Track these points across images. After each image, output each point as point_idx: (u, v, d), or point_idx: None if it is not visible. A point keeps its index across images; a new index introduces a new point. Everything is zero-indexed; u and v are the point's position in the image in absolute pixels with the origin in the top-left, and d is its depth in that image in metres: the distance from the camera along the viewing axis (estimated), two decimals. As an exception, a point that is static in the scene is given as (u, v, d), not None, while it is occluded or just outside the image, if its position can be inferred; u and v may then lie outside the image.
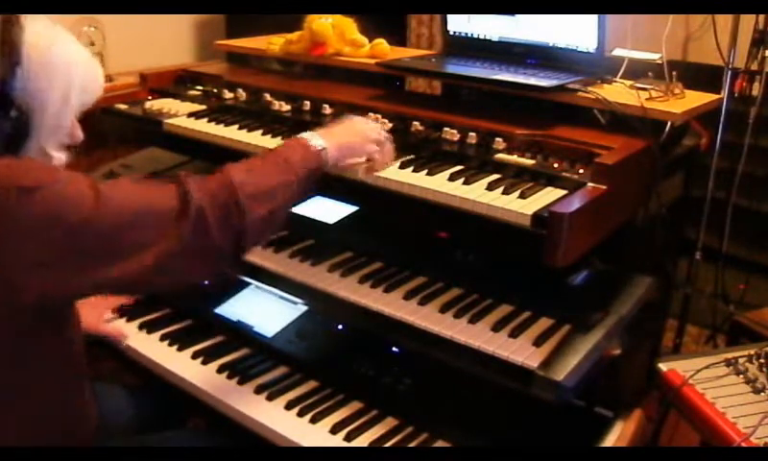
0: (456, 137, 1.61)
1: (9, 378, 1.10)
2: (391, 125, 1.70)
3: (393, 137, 1.56)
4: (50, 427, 1.18)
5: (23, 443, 1.13)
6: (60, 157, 1.16)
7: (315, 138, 1.33)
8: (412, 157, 1.56)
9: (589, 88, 1.62)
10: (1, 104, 1.05)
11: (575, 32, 1.75)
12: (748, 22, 2.26)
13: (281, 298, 1.79)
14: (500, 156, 1.52)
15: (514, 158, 1.50)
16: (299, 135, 1.34)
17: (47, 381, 1.16)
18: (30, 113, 1.08)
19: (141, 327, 1.78)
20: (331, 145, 1.34)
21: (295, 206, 1.27)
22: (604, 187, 1.32)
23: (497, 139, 1.56)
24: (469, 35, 1.96)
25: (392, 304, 1.46)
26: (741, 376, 1.42)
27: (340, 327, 1.75)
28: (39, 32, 1.10)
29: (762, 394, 1.36)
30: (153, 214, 1.09)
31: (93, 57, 1.21)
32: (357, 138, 1.42)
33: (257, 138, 1.72)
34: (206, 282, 1.89)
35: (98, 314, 1.74)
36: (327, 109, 1.82)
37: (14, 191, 0.98)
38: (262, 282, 1.74)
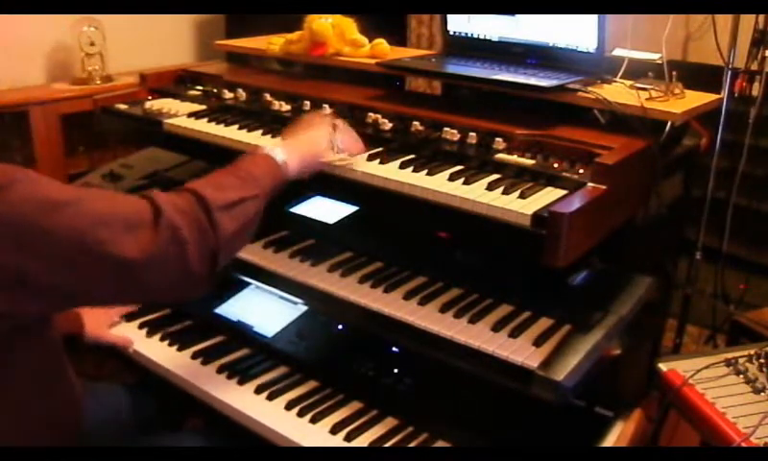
0: (456, 137, 1.61)
1: None
2: (391, 125, 1.70)
3: (393, 139, 1.56)
4: (35, 419, 1.18)
5: (9, 436, 1.13)
6: None
7: (277, 152, 1.33)
8: (412, 157, 1.56)
9: (589, 88, 1.62)
10: None
11: (575, 32, 1.75)
12: (748, 22, 2.26)
13: (281, 298, 1.79)
14: (500, 156, 1.52)
15: (514, 158, 1.50)
16: (260, 148, 1.34)
17: (27, 378, 1.15)
18: None
19: (141, 327, 1.78)
20: (291, 158, 1.34)
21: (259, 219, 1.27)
22: (604, 187, 1.32)
23: (497, 139, 1.56)
24: (469, 35, 1.96)
25: (392, 304, 1.46)
26: (741, 375, 1.42)
27: (340, 327, 1.75)
28: None
29: (762, 394, 1.36)
30: (125, 217, 1.05)
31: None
32: (316, 147, 1.43)
33: (257, 138, 1.72)
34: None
35: (101, 321, 1.72)
36: (327, 109, 1.82)
37: None
38: (262, 282, 1.74)
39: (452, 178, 1.45)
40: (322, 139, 1.45)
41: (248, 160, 1.30)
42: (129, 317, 1.80)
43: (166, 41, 3.51)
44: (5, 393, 1.12)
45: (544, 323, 1.41)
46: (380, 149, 1.60)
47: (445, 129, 1.63)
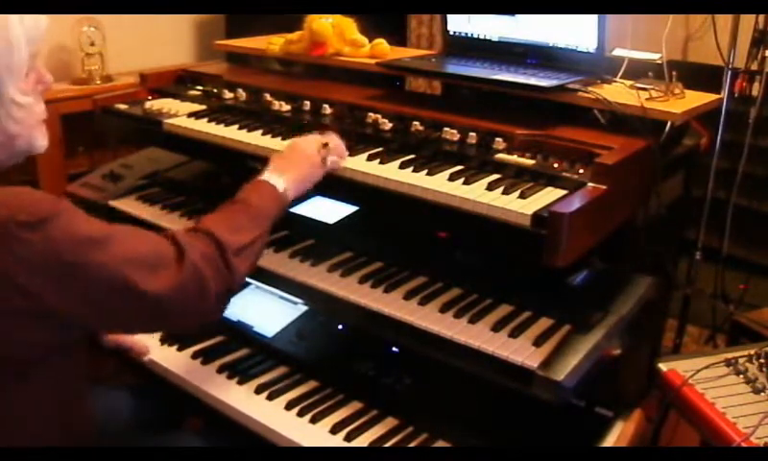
0: (456, 137, 1.61)
1: (14, 394, 1.10)
2: (391, 125, 1.70)
3: (393, 139, 1.55)
4: (48, 437, 1.18)
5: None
6: (30, 101, 1.14)
7: (277, 181, 1.38)
8: (412, 157, 1.56)
9: (589, 88, 1.62)
10: None
11: (575, 32, 1.75)
12: (748, 22, 2.26)
13: (281, 298, 1.79)
14: (500, 156, 1.52)
15: (514, 158, 1.50)
16: (262, 179, 1.38)
17: (48, 394, 1.16)
18: None
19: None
20: (290, 185, 1.40)
21: None
22: (604, 187, 1.32)
23: (497, 139, 1.56)
24: (469, 35, 1.96)
25: (392, 304, 1.46)
26: (741, 375, 1.42)
27: (340, 327, 1.75)
28: None
29: (762, 394, 1.36)
30: (152, 256, 1.11)
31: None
32: (306, 170, 1.45)
33: (257, 138, 1.72)
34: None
35: None
36: (327, 110, 1.82)
37: (13, 226, 0.97)
38: (262, 282, 1.74)
39: (452, 178, 1.45)
40: (315, 158, 1.47)
41: (254, 194, 1.35)
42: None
43: (166, 41, 3.51)
44: (21, 407, 1.12)
45: (544, 323, 1.41)
46: (380, 149, 1.60)
47: (445, 129, 1.63)
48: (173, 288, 1.10)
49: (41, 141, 1.18)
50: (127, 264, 1.06)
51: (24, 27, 1.12)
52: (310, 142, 1.49)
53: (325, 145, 1.48)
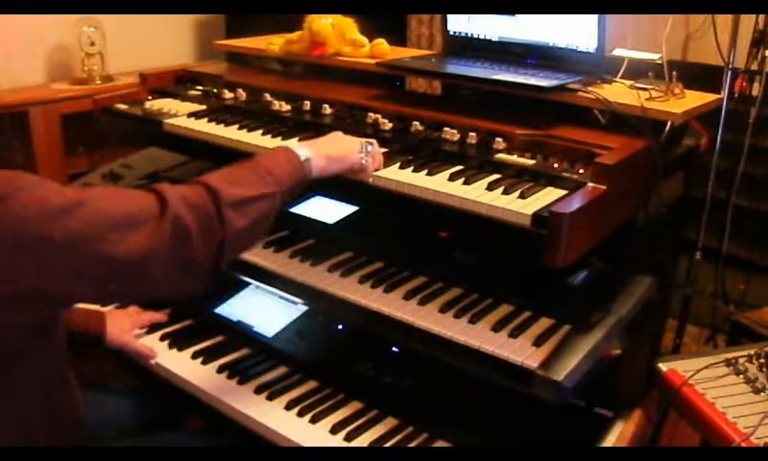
0: (456, 137, 1.61)
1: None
2: (391, 125, 1.70)
3: (393, 139, 1.56)
4: (36, 425, 1.17)
5: (9, 439, 1.13)
6: None
7: (300, 148, 1.31)
8: (412, 157, 1.56)
9: (589, 88, 1.62)
10: None
11: (575, 32, 1.75)
12: (748, 22, 2.26)
13: (281, 298, 1.79)
14: (500, 156, 1.52)
15: (514, 158, 1.50)
16: (283, 144, 1.32)
17: (32, 380, 1.14)
18: None
19: (141, 327, 1.78)
20: (316, 155, 1.32)
21: (275, 216, 1.24)
22: (604, 187, 1.32)
23: (497, 139, 1.56)
24: (469, 35, 1.96)
25: (392, 304, 1.46)
26: (741, 375, 1.42)
27: (340, 327, 1.75)
28: None
29: (762, 394, 1.36)
30: (129, 215, 1.04)
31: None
32: (342, 150, 1.40)
33: (257, 138, 1.72)
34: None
35: (126, 327, 1.70)
36: (327, 109, 1.82)
37: None
38: (262, 282, 1.74)
39: (452, 178, 1.45)
40: (353, 144, 1.42)
41: (268, 156, 1.27)
42: (129, 317, 1.80)
43: (166, 41, 3.51)
44: (7, 397, 1.11)
45: (544, 323, 1.41)
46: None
47: (445, 129, 1.63)
48: (152, 245, 1.03)
49: None
50: (99, 226, 1.00)
51: None
52: (353, 137, 1.46)
53: (368, 143, 1.44)
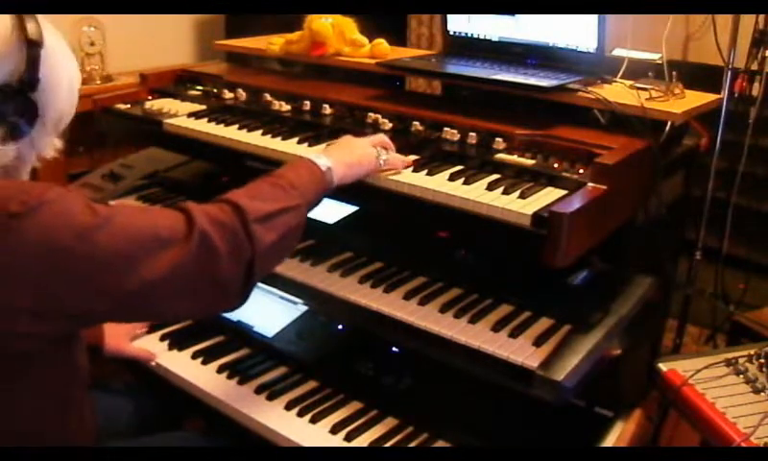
0: (456, 137, 1.61)
1: (10, 395, 1.08)
2: (391, 125, 1.70)
3: (393, 138, 1.56)
4: (48, 434, 1.18)
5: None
6: (58, 144, 1.14)
7: (320, 158, 1.31)
8: (412, 157, 1.56)
9: (589, 88, 1.62)
10: (26, 85, 1.02)
11: (575, 32, 1.75)
12: (748, 22, 2.26)
13: (281, 298, 1.79)
14: (500, 156, 1.52)
15: (514, 158, 1.50)
16: (304, 155, 1.32)
17: (46, 390, 1.14)
18: (44, 98, 1.05)
19: (139, 332, 1.78)
20: (337, 163, 1.32)
21: (303, 229, 1.24)
22: (604, 187, 1.32)
23: (497, 139, 1.56)
24: (469, 35, 1.96)
25: (392, 304, 1.46)
26: (741, 375, 1.42)
27: (340, 327, 1.75)
28: (48, 25, 1.10)
29: (762, 394, 1.36)
30: (157, 234, 1.03)
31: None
32: (359, 155, 1.40)
33: (257, 138, 1.72)
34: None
35: (122, 333, 1.69)
36: (327, 109, 1.82)
37: (5, 217, 0.93)
38: (262, 282, 1.73)
39: (452, 178, 1.45)
40: (367, 147, 1.43)
41: (290, 169, 1.27)
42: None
43: (166, 41, 3.51)
44: (18, 410, 1.10)
45: (544, 323, 1.41)
46: (380, 149, 1.60)
47: (445, 129, 1.63)
48: (179, 264, 1.02)
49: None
50: (128, 245, 1.00)
51: (78, 84, 1.13)
52: (366, 138, 1.47)
53: (385, 149, 1.45)
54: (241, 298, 1.14)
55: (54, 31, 1.11)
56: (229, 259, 1.07)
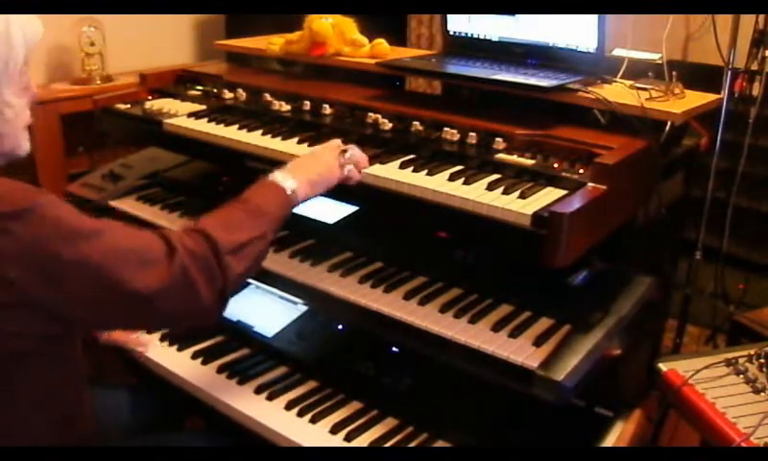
0: (456, 137, 1.61)
1: (13, 389, 1.10)
2: (391, 125, 1.70)
3: (393, 139, 1.56)
4: (45, 431, 1.19)
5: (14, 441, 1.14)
6: (21, 103, 1.16)
7: (286, 180, 1.33)
8: (412, 157, 1.56)
9: (589, 88, 1.62)
10: None
11: (575, 32, 1.75)
12: (748, 22, 2.26)
13: (281, 298, 1.79)
14: (500, 156, 1.52)
15: (514, 158, 1.50)
16: (268, 179, 1.34)
17: (50, 388, 1.17)
18: None
19: (141, 327, 1.78)
20: (301, 184, 1.34)
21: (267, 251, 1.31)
22: (604, 187, 1.32)
23: (497, 139, 1.56)
24: (469, 35, 1.96)
25: (392, 304, 1.46)
26: (741, 375, 1.42)
27: (340, 327, 1.75)
28: None
29: (762, 394, 1.36)
30: (142, 254, 1.09)
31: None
32: (322, 170, 1.40)
33: (257, 138, 1.72)
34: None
35: None
36: (327, 109, 1.82)
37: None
38: (262, 282, 1.74)
39: (452, 178, 1.45)
40: (331, 160, 1.43)
41: (257, 194, 1.31)
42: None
43: (166, 41, 3.51)
44: (23, 406, 1.13)
45: (544, 323, 1.41)
46: (380, 149, 1.60)
47: (445, 129, 1.63)
48: (161, 287, 1.08)
49: (25, 144, 1.20)
50: (114, 259, 1.05)
51: (23, 31, 1.13)
52: (329, 147, 1.46)
53: (344, 152, 1.44)
54: (216, 315, 1.21)
55: None
56: (205, 287, 1.14)
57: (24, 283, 0.99)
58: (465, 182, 1.42)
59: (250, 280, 1.82)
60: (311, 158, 1.43)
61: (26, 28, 1.14)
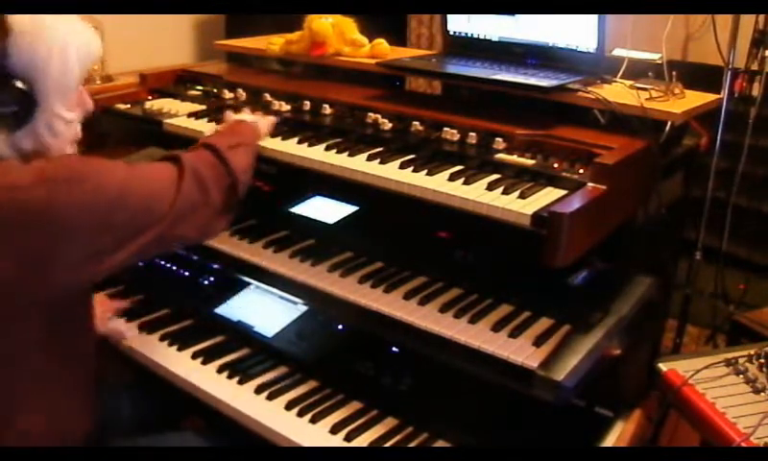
0: (456, 137, 1.61)
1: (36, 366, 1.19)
2: (391, 125, 1.70)
3: (393, 138, 1.55)
4: (62, 419, 1.21)
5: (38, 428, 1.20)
6: (73, 117, 1.22)
7: (245, 117, 1.65)
8: (412, 157, 1.56)
9: (589, 88, 1.62)
10: (1, 78, 1.09)
11: (575, 32, 1.75)
12: (748, 22, 2.26)
13: (281, 298, 1.79)
14: (500, 156, 1.52)
15: (514, 158, 1.50)
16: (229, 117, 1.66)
17: (66, 372, 1.23)
18: (32, 82, 1.12)
19: (141, 327, 1.78)
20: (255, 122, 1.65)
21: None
22: (604, 187, 1.32)
23: (497, 139, 1.56)
24: (469, 35, 1.96)
25: (392, 304, 1.46)
26: (741, 375, 1.42)
27: (340, 327, 1.75)
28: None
29: (762, 394, 1.36)
30: (162, 186, 1.27)
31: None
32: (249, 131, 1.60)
33: (257, 138, 1.72)
34: (207, 282, 1.90)
35: (98, 313, 1.72)
36: (327, 109, 1.82)
37: (63, 184, 1.09)
38: (262, 282, 1.74)
39: (452, 178, 1.45)
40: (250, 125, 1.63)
41: (230, 124, 1.61)
42: (129, 317, 1.81)
43: (166, 41, 3.51)
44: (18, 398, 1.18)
45: (544, 323, 1.41)
46: (380, 149, 1.60)
47: (445, 129, 1.63)
48: (182, 195, 1.27)
49: None
50: (151, 200, 1.23)
51: (80, 48, 1.19)
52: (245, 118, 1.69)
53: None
54: (229, 215, 1.42)
55: (38, 15, 1.15)
56: (215, 186, 1.35)
57: (85, 237, 1.13)
58: (465, 182, 1.42)
59: (250, 280, 1.82)
60: (235, 124, 1.63)
61: (83, 46, 1.20)
